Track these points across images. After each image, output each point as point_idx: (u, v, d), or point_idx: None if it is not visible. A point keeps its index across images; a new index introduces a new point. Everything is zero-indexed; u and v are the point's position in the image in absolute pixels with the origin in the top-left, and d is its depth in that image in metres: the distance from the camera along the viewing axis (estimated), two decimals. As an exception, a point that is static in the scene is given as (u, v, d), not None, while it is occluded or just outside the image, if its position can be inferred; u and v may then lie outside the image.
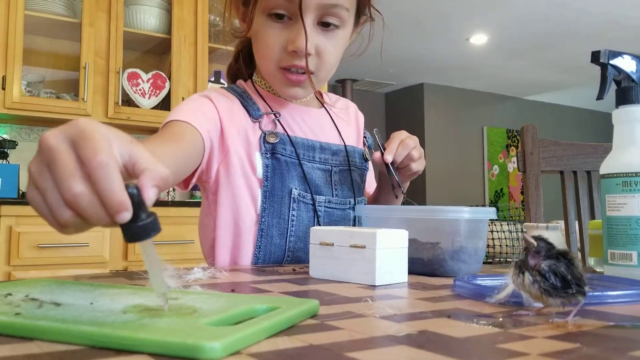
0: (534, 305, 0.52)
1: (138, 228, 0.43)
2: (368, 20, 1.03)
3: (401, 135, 1.02)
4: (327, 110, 1.14)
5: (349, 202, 1.07)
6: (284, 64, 0.94)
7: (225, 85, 1.09)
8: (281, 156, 0.99)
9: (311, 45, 0.92)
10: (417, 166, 1.03)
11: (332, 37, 0.95)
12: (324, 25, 0.94)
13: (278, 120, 1.03)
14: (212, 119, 0.96)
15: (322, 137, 1.07)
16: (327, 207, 1.03)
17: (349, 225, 1.06)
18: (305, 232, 0.98)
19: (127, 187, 0.42)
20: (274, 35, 0.93)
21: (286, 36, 0.92)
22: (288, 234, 0.99)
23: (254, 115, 1.01)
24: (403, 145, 1.00)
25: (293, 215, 0.99)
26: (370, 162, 1.16)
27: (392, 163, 0.98)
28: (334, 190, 1.05)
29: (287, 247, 0.99)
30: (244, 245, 0.99)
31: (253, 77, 1.10)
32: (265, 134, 0.99)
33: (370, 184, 1.20)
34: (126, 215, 0.42)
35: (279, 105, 1.05)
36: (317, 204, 1.01)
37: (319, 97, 1.15)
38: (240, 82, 1.10)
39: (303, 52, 0.91)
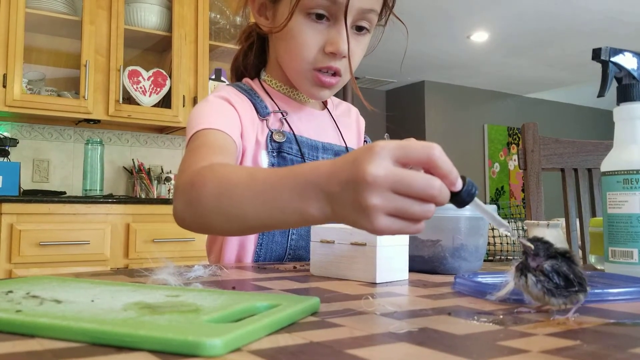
0: (534, 303, 0.52)
1: (464, 193, 0.50)
2: (380, 25, 1.02)
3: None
4: (329, 113, 1.15)
5: None
6: (319, 65, 0.93)
7: (231, 83, 1.07)
8: (287, 155, 0.99)
9: (347, 47, 0.91)
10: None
11: (361, 41, 0.96)
12: (357, 29, 0.94)
13: (285, 119, 1.02)
14: (236, 122, 0.95)
15: (324, 138, 1.08)
16: None
17: None
18: (307, 231, 0.97)
19: None
20: (312, 35, 0.91)
21: (325, 37, 0.91)
22: (290, 232, 0.99)
23: (261, 113, 1.00)
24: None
25: None
26: None
27: None
28: None
29: (288, 245, 0.99)
30: (248, 244, 0.98)
31: (262, 76, 1.08)
32: (272, 132, 0.99)
33: None
34: (460, 181, 0.50)
35: (286, 104, 1.05)
36: None
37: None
38: (246, 80, 1.08)
39: (342, 54, 0.91)
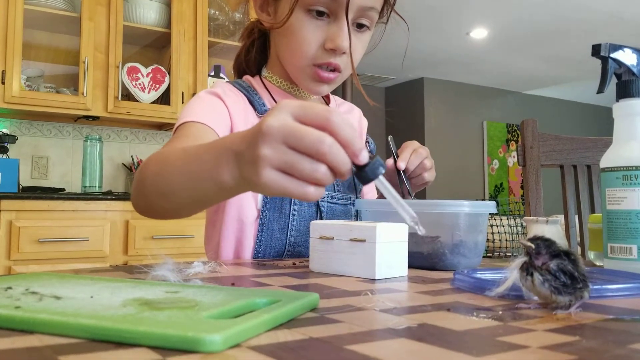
0: (534, 299, 0.52)
1: (369, 170, 0.48)
2: (381, 23, 1.03)
3: (414, 144, 1.02)
4: None
5: (350, 197, 1.07)
6: (319, 61, 0.94)
7: (229, 80, 1.08)
8: None
9: (348, 44, 0.92)
10: (429, 176, 1.03)
11: (362, 38, 0.96)
12: (358, 26, 0.95)
13: None
14: (224, 117, 0.96)
15: None
16: (330, 202, 1.03)
17: (351, 218, 1.06)
18: (306, 227, 0.98)
19: None
20: (312, 31, 0.92)
21: (325, 34, 0.92)
22: (289, 228, 0.99)
23: (259, 109, 1.01)
24: (416, 154, 1.00)
25: (294, 210, 0.99)
26: None
27: (404, 171, 0.98)
28: (335, 186, 1.06)
29: (287, 242, 0.99)
30: (246, 240, 0.99)
31: (263, 72, 1.08)
32: None
33: (370, 190, 1.20)
34: (365, 155, 0.48)
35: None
36: (320, 199, 1.00)
37: (325, 98, 1.15)
38: (246, 77, 1.08)
39: (342, 50, 0.91)
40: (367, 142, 1.20)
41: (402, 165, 0.97)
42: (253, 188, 0.52)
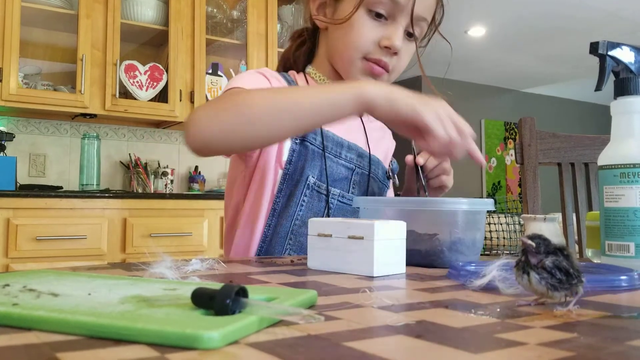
0: (532, 296, 0.52)
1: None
2: (422, 47, 1.11)
3: None
4: (361, 120, 1.17)
5: None
6: (371, 57, 1.01)
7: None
8: (309, 144, 1.03)
9: (401, 45, 1.01)
10: (448, 180, 1.06)
11: (410, 46, 1.06)
12: (408, 35, 1.03)
13: None
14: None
15: (351, 139, 1.10)
16: (340, 201, 1.06)
17: None
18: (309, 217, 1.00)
19: None
20: (370, 28, 1.00)
21: (382, 33, 1.00)
22: (294, 216, 1.02)
23: None
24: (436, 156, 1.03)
25: (303, 201, 1.02)
26: (391, 183, 1.19)
27: (422, 168, 1.01)
28: (351, 187, 1.08)
29: (290, 229, 1.02)
30: (260, 222, 1.03)
31: (307, 69, 1.14)
32: None
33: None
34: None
35: None
36: (330, 195, 1.04)
37: None
38: (291, 72, 1.14)
39: (396, 49, 1.00)
40: (390, 162, 1.23)
41: (420, 160, 1.01)
42: (404, 109, 0.77)
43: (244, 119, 0.80)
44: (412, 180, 1.10)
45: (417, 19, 1.01)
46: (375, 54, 1.01)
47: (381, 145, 1.21)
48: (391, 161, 1.24)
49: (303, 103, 0.80)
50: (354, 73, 1.04)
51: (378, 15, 1.00)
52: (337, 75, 1.09)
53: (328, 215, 1.03)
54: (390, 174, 1.18)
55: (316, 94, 0.81)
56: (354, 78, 1.04)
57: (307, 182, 1.02)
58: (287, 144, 1.03)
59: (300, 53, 1.15)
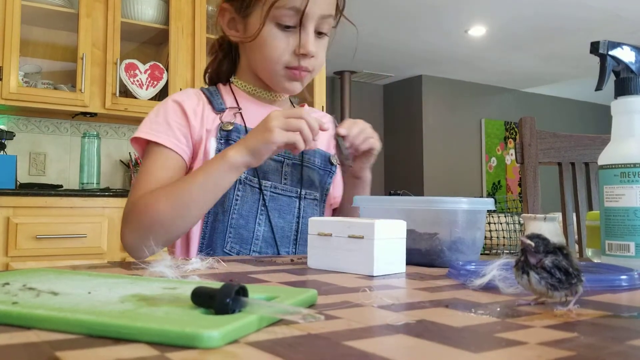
0: (532, 295, 0.52)
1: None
2: (333, 28, 1.15)
3: (355, 120, 1.11)
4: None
5: (296, 191, 1.13)
6: (291, 65, 1.07)
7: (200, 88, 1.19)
8: (234, 142, 1.06)
9: (315, 48, 1.08)
10: (375, 142, 1.09)
11: (322, 43, 1.11)
12: (318, 34, 1.09)
13: (240, 113, 1.12)
14: (182, 127, 1.08)
15: None
16: (273, 192, 1.10)
17: (294, 210, 1.12)
18: (249, 211, 1.07)
19: None
20: (283, 39, 1.06)
21: (294, 42, 1.06)
22: (231, 211, 1.06)
23: (217, 108, 1.12)
24: (356, 124, 1.08)
25: (237, 196, 1.06)
26: (338, 167, 1.21)
27: (343, 138, 1.04)
28: (283, 178, 1.12)
29: (229, 224, 1.05)
30: (195, 228, 1.08)
31: (232, 80, 1.19)
32: (222, 123, 1.09)
33: (339, 188, 1.24)
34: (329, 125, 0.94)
35: (250, 103, 1.15)
36: (263, 187, 1.09)
37: (300, 107, 1.23)
38: (218, 85, 1.19)
39: (311, 53, 1.06)
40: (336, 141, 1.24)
41: (342, 130, 1.04)
42: (264, 147, 0.91)
43: (156, 227, 0.96)
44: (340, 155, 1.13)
45: (323, 17, 1.06)
46: (294, 62, 1.06)
47: (321, 135, 1.22)
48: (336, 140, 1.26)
49: (197, 192, 0.96)
50: (278, 81, 1.11)
51: (287, 27, 1.05)
52: (262, 83, 1.15)
53: (265, 206, 1.08)
54: (333, 160, 1.19)
55: (202, 178, 0.96)
56: (279, 85, 1.12)
57: (239, 178, 1.05)
58: (213, 145, 1.07)
59: (222, 65, 1.20)
